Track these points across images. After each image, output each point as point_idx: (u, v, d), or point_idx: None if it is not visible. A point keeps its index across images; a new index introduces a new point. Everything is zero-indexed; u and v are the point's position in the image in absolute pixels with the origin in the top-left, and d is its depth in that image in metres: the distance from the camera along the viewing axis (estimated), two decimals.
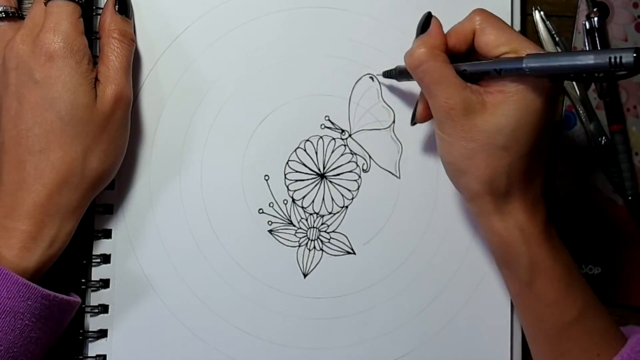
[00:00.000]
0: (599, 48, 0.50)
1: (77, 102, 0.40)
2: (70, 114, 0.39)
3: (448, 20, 0.48)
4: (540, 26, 0.50)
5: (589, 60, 0.34)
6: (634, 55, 0.31)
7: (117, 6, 0.43)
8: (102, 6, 0.44)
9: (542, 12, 0.50)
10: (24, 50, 0.40)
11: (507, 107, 0.38)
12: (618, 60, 0.32)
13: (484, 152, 0.39)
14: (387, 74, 0.47)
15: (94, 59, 0.43)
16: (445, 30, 0.42)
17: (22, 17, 0.43)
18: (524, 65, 0.36)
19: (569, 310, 0.40)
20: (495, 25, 0.40)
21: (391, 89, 0.48)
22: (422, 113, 0.44)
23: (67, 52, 0.40)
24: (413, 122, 0.46)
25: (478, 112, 0.39)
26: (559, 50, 0.50)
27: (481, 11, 0.41)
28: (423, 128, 0.48)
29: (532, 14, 0.50)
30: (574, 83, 0.50)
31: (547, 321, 0.41)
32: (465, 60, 0.41)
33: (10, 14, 0.43)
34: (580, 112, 0.50)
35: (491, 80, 0.39)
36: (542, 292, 0.41)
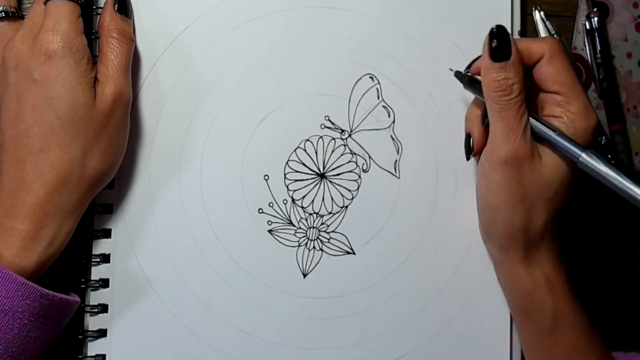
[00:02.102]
0: (598, 49, 0.50)
1: (77, 101, 0.40)
2: (69, 113, 0.39)
3: (448, 20, 0.48)
4: (540, 26, 0.50)
5: (637, 195, 0.36)
6: None
7: (116, 6, 0.43)
8: (102, 6, 0.44)
9: (542, 12, 0.50)
10: (24, 50, 0.40)
11: (559, 163, 0.40)
12: None
13: (529, 201, 0.40)
14: (458, 75, 0.45)
15: (94, 59, 0.43)
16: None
17: (21, 17, 0.43)
18: (579, 160, 0.38)
19: (589, 355, 0.42)
20: (563, 62, 0.40)
21: (391, 89, 0.48)
22: (479, 144, 0.42)
23: (67, 51, 0.40)
24: (469, 157, 0.44)
25: (536, 162, 0.40)
26: None
27: (556, 41, 0.41)
28: (423, 128, 0.48)
29: (532, 14, 0.50)
30: None
31: None
32: None
33: (10, 14, 0.43)
34: None
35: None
36: (563, 339, 0.42)
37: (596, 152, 0.38)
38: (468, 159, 0.44)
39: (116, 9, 0.43)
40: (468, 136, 0.44)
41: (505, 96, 0.39)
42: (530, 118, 0.40)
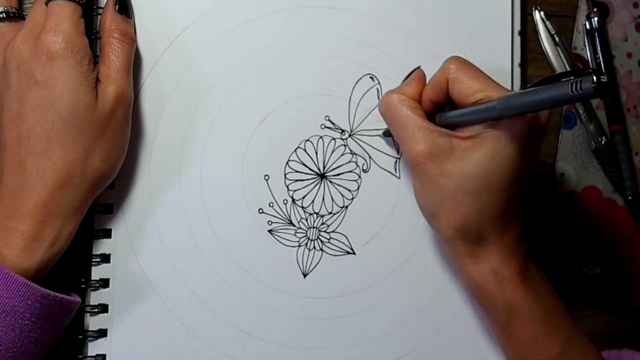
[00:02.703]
0: (598, 49, 0.50)
1: (78, 102, 0.39)
2: (71, 114, 0.39)
3: (448, 20, 0.48)
4: (540, 26, 0.50)
5: (552, 92, 0.32)
6: (593, 85, 0.29)
7: (117, 6, 0.43)
8: (103, 6, 0.44)
9: (542, 12, 0.50)
10: (25, 51, 0.40)
11: (476, 152, 0.38)
12: (579, 88, 0.30)
13: (452, 197, 0.39)
14: (387, 133, 0.47)
15: (95, 59, 0.43)
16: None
17: (22, 18, 0.43)
18: (496, 104, 0.36)
19: (550, 349, 0.40)
20: (469, 73, 0.40)
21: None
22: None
23: (68, 52, 0.39)
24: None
25: (445, 157, 0.39)
26: (559, 50, 0.50)
27: (455, 59, 0.41)
28: None
29: (532, 14, 0.50)
30: None
31: (528, 359, 0.41)
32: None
33: (11, 14, 0.42)
34: (580, 112, 0.50)
35: (465, 125, 0.39)
36: (520, 333, 0.41)
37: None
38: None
39: (117, 9, 0.43)
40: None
41: (388, 110, 0.42)
42: (443, 114, 0.40)
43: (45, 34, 0.39)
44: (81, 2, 0.41)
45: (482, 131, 0.38)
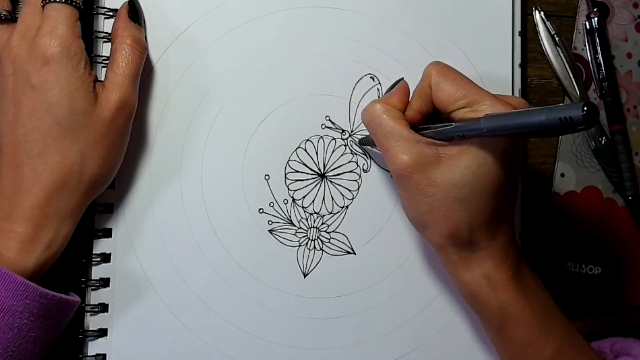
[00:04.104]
0: (598, 49, 0.50)
1: (75, 106, 0.39)
2: (68, 118, 0.39)
3: (448, 20, 0.48)
4: (540, 26, 0.50)
5: (541, 117, 0.31)
6: (582, 113, 0.29)
7: (129, 13, 0.43)
8: (103, 5, 0.44)
9: (542, 13, 0.50)
10: (20, 55, 0.39)
11: (463, 160, 0.38)
12: (568, 118, 0.30)
13: (442, 206, 0.39)
14: (362, 142, 0.47)
15: (103, 63, 0.43)
16: None
17: (15, 21, 0.43)
18: (482, 126, 0.35)
19: (545, 349, 0.40)
20: (451, 79, 0.39)
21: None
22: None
23: (64, 56, 0.39)
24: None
25: (432, 166, 0.38)
26: (559, 50, 0.50)
27: (435, 65, 0.41)
28: None
29: (532, 14, 0.51)
30: (575, 84, 0.50)
31: None
32: (437, 119, 0.41)
33: (3, 17, 0.42)
34: None
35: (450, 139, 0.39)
36: (514, 336, 0.40)
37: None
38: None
39: (129, 16, 0.43)
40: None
41: (373, 120, 0.41)
42: (427, 131, 0.39)
43: (41, 37, 0.39)
44: (78, 5, 0.40)
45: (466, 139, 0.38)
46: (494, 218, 0.39)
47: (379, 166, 0.48)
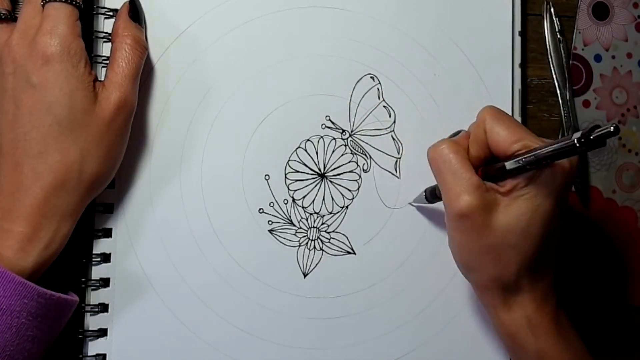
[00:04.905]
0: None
1: (75, 106, 0.39)
2: (68, 118, 0.39)
3: (448, 20, 0.48)
4: (547, 23, 0.50)
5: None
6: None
7: (130, 13, 0.43)
8: (103, 5, 0.44)
9: (552, 9, 0.50)
10: (21, 54, 0.39)
11: (519, 207, 0.39)
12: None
13: (494, 250, 0.39)
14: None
15: (103, 63, 0.43)
16: None
17: (15, 20, 0.43)
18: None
19: None
20: (505, 124, 0.40)
21: (392, 89, 0.48)
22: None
23: (64, 55, 0.39)
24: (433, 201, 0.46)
25: (492, 211, 0.39)
26: (561, 47, 0.50)
27: (489, 110, 0.41)
28: (423, 128, 0.48)
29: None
30: (567, 87, 0.50)
31: None
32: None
33: (3, 16, 0.42)
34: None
35: (506, 178, 0.40)
36: None
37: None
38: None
39: (130, 16, 0.43)
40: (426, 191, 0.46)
41: (441, 157, 0.41)
42: (499, 165, 0.40)
43: (42, 36, 0.39)
44: (78, 4, 0.40)
45: (521, 185, 0.39)
46: (540, 263, 0.40)
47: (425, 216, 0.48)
